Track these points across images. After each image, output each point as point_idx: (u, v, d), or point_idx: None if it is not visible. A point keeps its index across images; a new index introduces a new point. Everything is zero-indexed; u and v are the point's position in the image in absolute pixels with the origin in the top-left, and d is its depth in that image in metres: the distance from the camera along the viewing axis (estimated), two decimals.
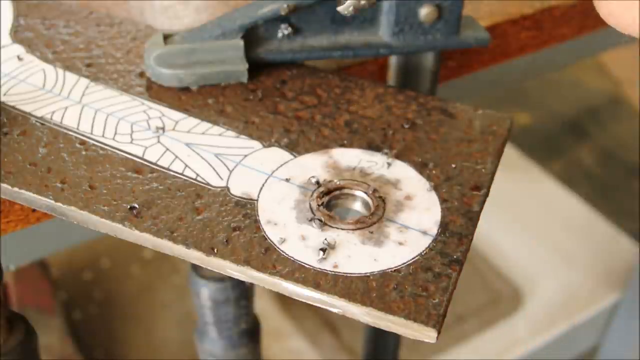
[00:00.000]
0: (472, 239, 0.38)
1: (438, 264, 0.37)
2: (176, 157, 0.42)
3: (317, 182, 0.40)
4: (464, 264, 0.37)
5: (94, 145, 0.42)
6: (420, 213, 0.39)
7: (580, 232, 1.31)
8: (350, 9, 0.43)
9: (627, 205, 1.56)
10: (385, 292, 0.35)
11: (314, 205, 0.39)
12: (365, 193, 0.40)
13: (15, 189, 0.39)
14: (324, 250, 0.36)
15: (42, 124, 0.43)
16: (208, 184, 0.40)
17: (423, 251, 0.37)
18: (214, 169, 0.41)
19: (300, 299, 0.36)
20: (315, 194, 0.40)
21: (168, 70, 0.46)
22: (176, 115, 0.45)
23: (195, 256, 0.37)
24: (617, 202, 1.57)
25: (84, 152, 0.42)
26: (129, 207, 0.39)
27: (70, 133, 0.43)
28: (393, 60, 0.51)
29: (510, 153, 1.42)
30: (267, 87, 0.47)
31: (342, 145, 0.43)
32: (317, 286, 0.35)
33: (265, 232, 0.38)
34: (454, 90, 0.58)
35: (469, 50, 0.56)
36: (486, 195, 0.41)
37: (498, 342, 1.14)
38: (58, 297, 1.13)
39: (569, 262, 1.25)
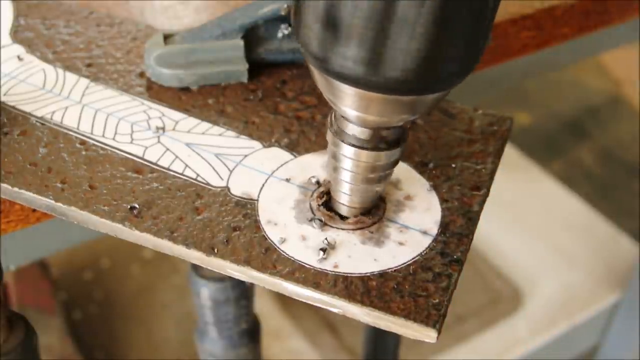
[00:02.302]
0: (472, 239, 0.38)
1: (438, 264, 0.37)
2: (176, 157, 0.42)
3: (318, 182, 0.40)
4: (464, 264, 0.37)
5: (94, 145, 0.42)
6: (420, 213, 0.39)
7: (580, 232, 1.30)
8: None
9: (627, 205, 1.56)
10: (386, 292, 0.35)
11: (314, 205, 0.39)
12: None
13: (16, 189, 0.39)
14: (324, 250, 0.36)
15: (42, 124, 0.43)
16: (208, 184, 0.40)
17: (423, 251, 0.37)
18: (214, 169, 0.41)
19: (301, 299, 0.36)
20: (315, 194, 0.40)
21: (168, 70, 0.46)
22: (176, 115, 0.45)
23: (195, 256, 0.37)
24: (617, 202, 1.57)
25: (84, 152, 0.42)
26: (129, 207, 0.39)
27: (71, 133, 0.43)
28: None
29: (510, 153, 1.42)
30: (267, 87, 0.47)
31: None
32: (317, 286, 0.35)
33: (265, 232, 0.38)
34: (454, 91, 0.58)
35: None
36: (486, 195, 0.41)
37: (498, 342, 1.14)
38: (58, 297, 1.13)
39: (569, 262, 1.25)
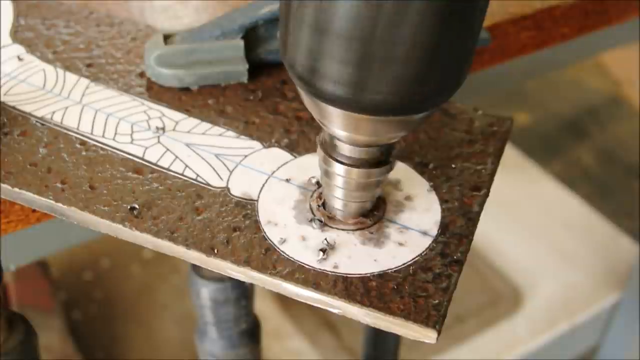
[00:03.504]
0: (472, 240, 0.38)
1: (438, 264, 0.36)
2: (176, 157, 0.42)
3: (317, 183, 0.40)
4: (464, 265, 0.37)
5: (94, 145, 0.42)
6: (420, 213, 0.39)
7: (580, 232, 1.30)
8: None
9: (627, 205, 1.56)
10: (385, 292, 0.35)
11: (314, 205, 0.39)
12: None
13: (16, 189, 0.39)
14: (324, 250, 0.36)
15: (42, 124, 0.43)
16: (208, 184, 0.40)
17: (423, 252, 0.37)
18: (214, 169, 0.41)
19: (300, 300, 0.36)
20: (315, 195, 0.40)
21: (168, 70, 0.46)
22: (176, 115, 0.45)
23: (195, 257, 0.37)
24: (617, 202, 1.57)
25: (84, 153, 0.42)
26: (129, 207, 0.39)
27: (71, 133, 0.43)
28: None
29: (510, 153, 1.42)
30: (267, 87, 0.47)
31: None
32: (317, 287, 0.35)
33: (265, 233, 0.38)
34: None
35: None
36: (486, 195, 0.41)
37: (498, 342, 1.14)
38: (58, 297, 1.13)
39: (569, 262, 1.25)
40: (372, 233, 0.38)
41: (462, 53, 0.31)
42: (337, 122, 0.33)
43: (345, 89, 0.30)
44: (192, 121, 0.44)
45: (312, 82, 0.31)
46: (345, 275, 0.36)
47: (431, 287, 0.35)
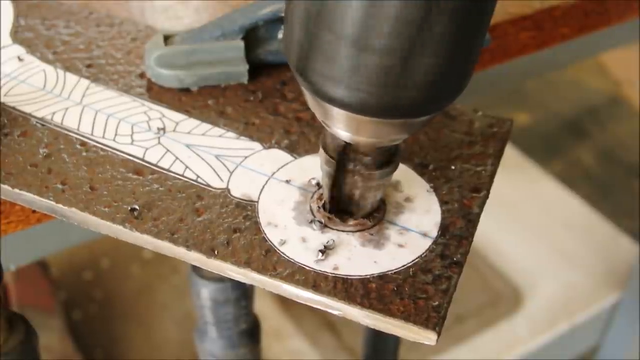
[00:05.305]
0: (472, 241, 0.38)
1: (438, 266, 0.37)
2: (177, 158, 0.42)
3: (318, 184, 0.40)
4: (464, 266, 0.37)
5: (94, 146, 0.42)
6: (420, 215, 0.39)
7: (580, 232, 1.30)
8: None
9: (627, 205, 1.56)
10: (385, 294, 0.35)
11: (314, 206, 0.39)
12: None
13: (16, 190, 0.39)
14: (322, 251, 0.36)
15: (42, 125, 0.43)
16: (208, 185, 0.40)
17: (423, 253, 0.37)
18: (214, 170, 0.41)
19: (300, 301, 0.36)
20: (315, 196, 0.40)
21: (168, 71, 0.46)
22: (177, 116, 0.45)
23: (195, 258, 0.37)
24: (617, 202, 1.57)
25: (84, 153, 0.42)
26: (129, 208, 0.39)
27: (71, 134, 0.43)
28: None
29: (510, 153, 1.42)
30: (267, 88, 0.47)
31: None
32: (317, 288, 0.35)
33: (265, 234, 0.38)
34: None
35: None
36: (486, 197, 0.41)
37: (498, 342, 1.14)
38: (58, 297, 1.13)
39: (569, 262, 1.25)
40: (372, 234, 0.38)
41: (466, 56, 0.30)
42: (339, 123, 0.33)
43: (344, 89, 0.30)
44: (193, 122, 0.44)
45: (312, 80, 0.31)
46: (345, 276, 0.36)
47: (431, 289, 0.35)
